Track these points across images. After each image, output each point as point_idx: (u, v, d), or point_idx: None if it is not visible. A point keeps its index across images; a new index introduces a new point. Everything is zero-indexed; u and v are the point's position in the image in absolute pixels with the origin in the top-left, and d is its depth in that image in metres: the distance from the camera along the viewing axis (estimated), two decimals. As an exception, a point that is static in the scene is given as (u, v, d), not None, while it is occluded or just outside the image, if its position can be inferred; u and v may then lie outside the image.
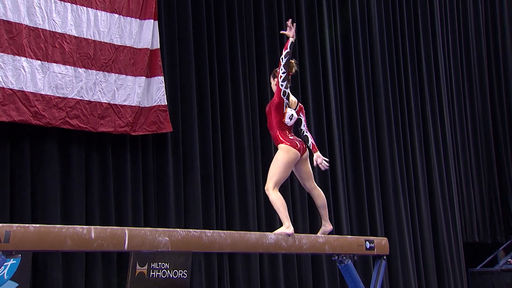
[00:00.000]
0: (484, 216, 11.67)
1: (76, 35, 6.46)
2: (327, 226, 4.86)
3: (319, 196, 4.89)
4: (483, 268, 11.39)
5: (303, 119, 4.87)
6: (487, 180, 11.97)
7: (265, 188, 4.69)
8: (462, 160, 11.28)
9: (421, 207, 9.99)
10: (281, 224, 4.65)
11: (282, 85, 4.68)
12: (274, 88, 4.82)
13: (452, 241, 10.29)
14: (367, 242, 4.95)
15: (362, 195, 9.17)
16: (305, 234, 4.78)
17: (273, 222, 7.86)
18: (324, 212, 4.90)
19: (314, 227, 8.00)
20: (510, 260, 11.61)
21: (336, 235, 5.00)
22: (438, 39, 10.98)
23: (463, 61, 11.79)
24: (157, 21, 7.08)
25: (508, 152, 12.47)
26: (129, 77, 6.79)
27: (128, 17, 6.86)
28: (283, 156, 4.67)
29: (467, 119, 11.66)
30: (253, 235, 4.20)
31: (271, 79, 4.91)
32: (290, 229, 4.52)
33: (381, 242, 5.11)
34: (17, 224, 3.06)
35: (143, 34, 6.95)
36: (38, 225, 3.14)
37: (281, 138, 4.73)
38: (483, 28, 12.47)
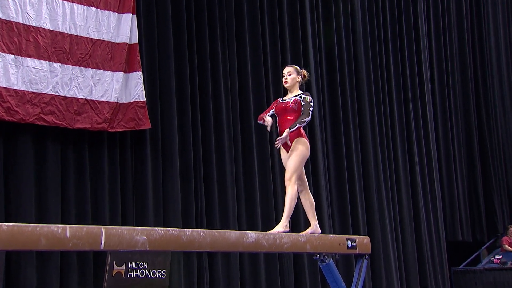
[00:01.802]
0: (467, 214, 11.79)
1: (51, 28, 6.40)
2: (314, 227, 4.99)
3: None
4: (466, 267, 11.53)
5: None
6: (470, 177, 12.07)
7: (286, 178, 4.87)
8: (444, 157, 11.38)
9: (403, 206, 10.08)
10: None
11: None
12: (289, 80, 5.06)
13: (434, 239, 10.40)
14: (349, 241, 4.97)
15: (344, 193, 9.21)
16: (286, 233, 4.79)
17: (254, 220, 7.87)
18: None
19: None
20: (493, 258, 11.76)
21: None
22: (422, 42, 11.08)
23: (447, 59, 11.89)
24: (135, 15, 7.04)
25: (494, 148, 12.55)
26: (107, 72, 6.75)
27: (106, 11, 6.81)
28: (304, 151, 4.93)
29: (450, 116, 11.75)
30: (233, 234, 4.20)
31: (294, 72, 5.10)
32: (287, 228, 4.80)
33: (363, 241, 5.14)
34: (-11, 223, 3.03)
35: (121, 28, 6.90)
36: (11, 224, 3.10)
37: (303, 133, 5.00)
38: (466, 26, 12.57)
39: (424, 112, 10.85)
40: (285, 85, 5.10)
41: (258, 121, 5.24)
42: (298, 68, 5.17)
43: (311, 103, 4.95)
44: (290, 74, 5.09)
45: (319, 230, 4.97)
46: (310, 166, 8.61)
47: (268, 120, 5.04)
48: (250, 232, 4.45)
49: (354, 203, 9.28)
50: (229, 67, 8.13)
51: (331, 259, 4.99)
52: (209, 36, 7.97)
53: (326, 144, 9.21)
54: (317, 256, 4.98)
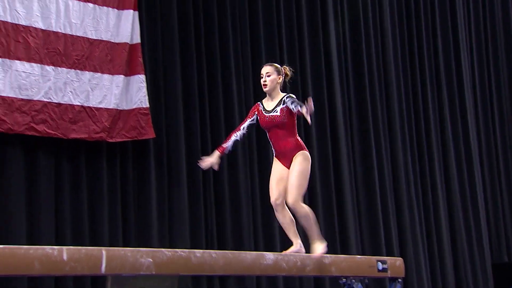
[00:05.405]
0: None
1: (43, 28, 6.46)
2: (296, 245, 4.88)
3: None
4: (514, 293, 11.40)
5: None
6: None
7: (291, 200, 4.72)
8: (487, 165, 11.18)
9: (440, 222, 9.97)
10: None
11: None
12: (268, 83, 4.88)
13: (477, 261, 10.28)
14: (379, 263, 4.97)
15: (374, 210, 9.10)
16: (308, 254, 4.79)
17: (272, 240, 7.86)
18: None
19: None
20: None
21: (344, 255, 5.02)
22: (459, 27, 10.95)
23: (489, 53, 11.66)
24: (137, 12, 7.09)
25: None
26: (106, 76, 6.80)
27: (105, 7, 6.87)
28: (308, 166, 4.83)
29: (493, 119, 11.51)
30: (249, 255, 4.22)
31: (274, 72, 4.91)
32: (325, 249, 4.74)
33: (395, 263, 5.13)
34: (-23, 246, 3.06)
35: (122, 26, 6.96)
36: (1, 246, 3.14)
37: (303, 144, 4.90)
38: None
39: (463, 111, 10.60)
40: (264, 89, 4.91)
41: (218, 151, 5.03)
42: (279, 66, 4.98)
43: (294, 97, 4.81)
44: (270, 75, 4.89)
45: (304, 250, 4.84)
46: (333, 177, 8.61)
47: (211, 160, 5.05)
48: (267, 253, 4.47)
49: (386, 220, 9.19)
50: (242, 68, 8.15)
51: (360, 284, 4.98)
52: (219, 33, 7.99)
53: (353, 152, 9.12)
54: (344, 280, 4.98)
